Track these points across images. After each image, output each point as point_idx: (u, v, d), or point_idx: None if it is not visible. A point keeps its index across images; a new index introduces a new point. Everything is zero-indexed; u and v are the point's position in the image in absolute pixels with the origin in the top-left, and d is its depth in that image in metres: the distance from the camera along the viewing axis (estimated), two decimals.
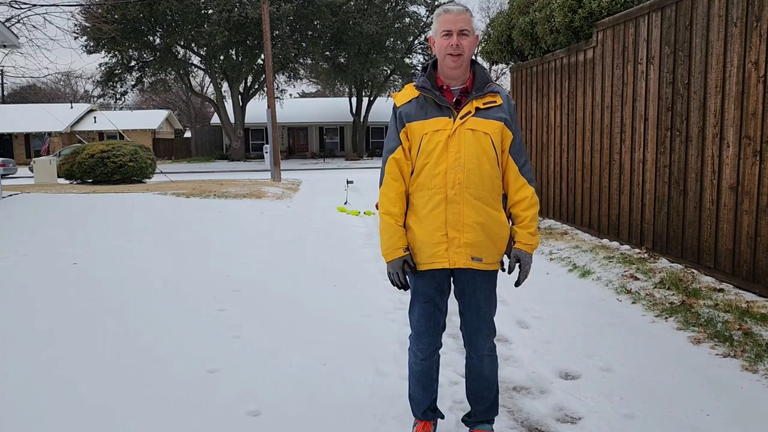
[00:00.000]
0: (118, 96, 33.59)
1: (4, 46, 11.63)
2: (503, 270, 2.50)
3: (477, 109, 2.35)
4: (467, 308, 2.48)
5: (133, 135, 37.79)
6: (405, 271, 2.43)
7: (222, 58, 32.47)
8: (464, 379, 2.63)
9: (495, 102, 2.38)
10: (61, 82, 50.11)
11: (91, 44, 29.97)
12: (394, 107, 2.47)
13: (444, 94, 2.40)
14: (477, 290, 2.44)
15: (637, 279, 5.03)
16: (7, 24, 12.65)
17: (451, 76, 2.39)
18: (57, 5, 15.73)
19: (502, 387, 3.12)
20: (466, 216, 2.32)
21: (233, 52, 32.74)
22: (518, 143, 2.42)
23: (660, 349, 3.64)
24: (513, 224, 2.46)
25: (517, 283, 2.47)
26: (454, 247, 2.34)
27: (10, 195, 11.43)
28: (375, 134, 40.68)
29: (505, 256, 2.49)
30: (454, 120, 2.34)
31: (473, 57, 2.45)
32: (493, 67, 19.72)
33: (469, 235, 2.33)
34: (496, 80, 2.64)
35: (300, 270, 5.81)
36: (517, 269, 2.46)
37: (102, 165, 16.62)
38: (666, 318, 4.14)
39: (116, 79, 32.79)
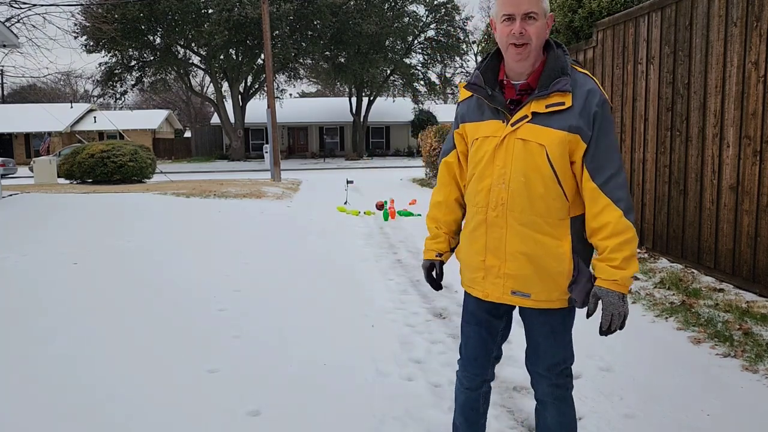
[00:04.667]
0: (118, 96, 33.59)
1: (4, 46, 11.63)
2: (579, 307, 1.97)
3: (534, 114, 1.86)
4: (527, 339, 2.10)
5: (133, 135, 37.78)
6: (432, 276, 2.18)
7: (222, 57, 32.45)
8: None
9: (563, 104, 1.83)
10: (61, 82, 50.05)
11: (91, 44, 29.95)
12: (458, 102, 2.11)
13: (504, 90, 1.95)
14: (534, 325, 2.04)
15: (637, 279, 5.03)
16: (7, 24, 12.66)
17: (516, 69, 1.92)
18: (57, 5, 15.72)
19: (502, 387, 3.11)
20: (509, 244, 1.92)
21: (233, 52, 32.74)
22: (599, 153, 1.85)
23: (660, 349, 3.64)
24: (595, 256, 1.95)
25: (601, 331, 1.91)
26: (491, 277, 1.97)
27: (10, 195, 11.43)
28: (375, 134, 40.67)
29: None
30: (506, 125, 1.90)
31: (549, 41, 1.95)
32: None
33: (511, 265, 1.93)
34: None
35: (300, 270, 5.81)
36: (599, 312, 1.91)
37: (102, 165, 16.64)
38: (666, 318, 4.14)
39: (116, 78, 32.78)
